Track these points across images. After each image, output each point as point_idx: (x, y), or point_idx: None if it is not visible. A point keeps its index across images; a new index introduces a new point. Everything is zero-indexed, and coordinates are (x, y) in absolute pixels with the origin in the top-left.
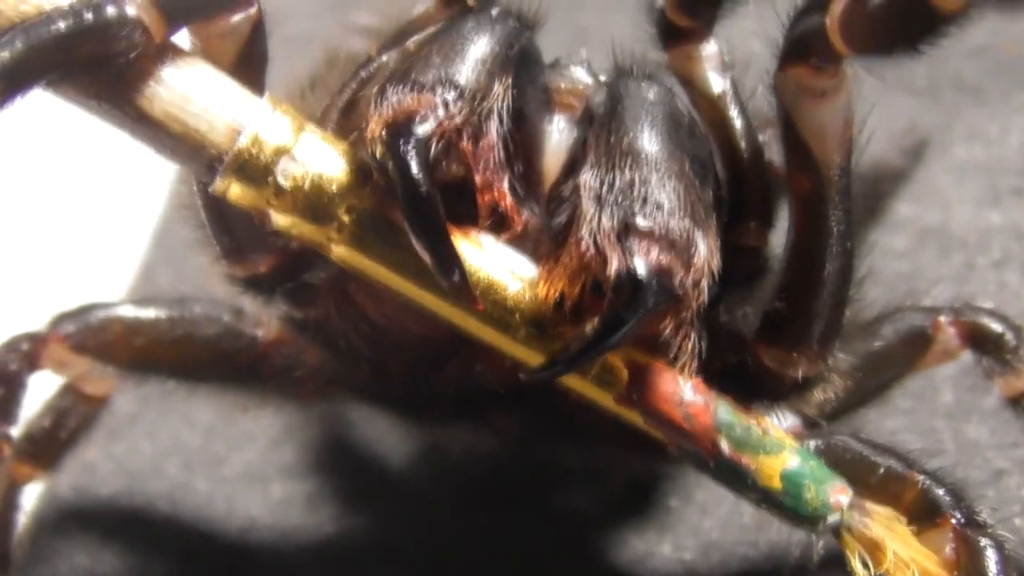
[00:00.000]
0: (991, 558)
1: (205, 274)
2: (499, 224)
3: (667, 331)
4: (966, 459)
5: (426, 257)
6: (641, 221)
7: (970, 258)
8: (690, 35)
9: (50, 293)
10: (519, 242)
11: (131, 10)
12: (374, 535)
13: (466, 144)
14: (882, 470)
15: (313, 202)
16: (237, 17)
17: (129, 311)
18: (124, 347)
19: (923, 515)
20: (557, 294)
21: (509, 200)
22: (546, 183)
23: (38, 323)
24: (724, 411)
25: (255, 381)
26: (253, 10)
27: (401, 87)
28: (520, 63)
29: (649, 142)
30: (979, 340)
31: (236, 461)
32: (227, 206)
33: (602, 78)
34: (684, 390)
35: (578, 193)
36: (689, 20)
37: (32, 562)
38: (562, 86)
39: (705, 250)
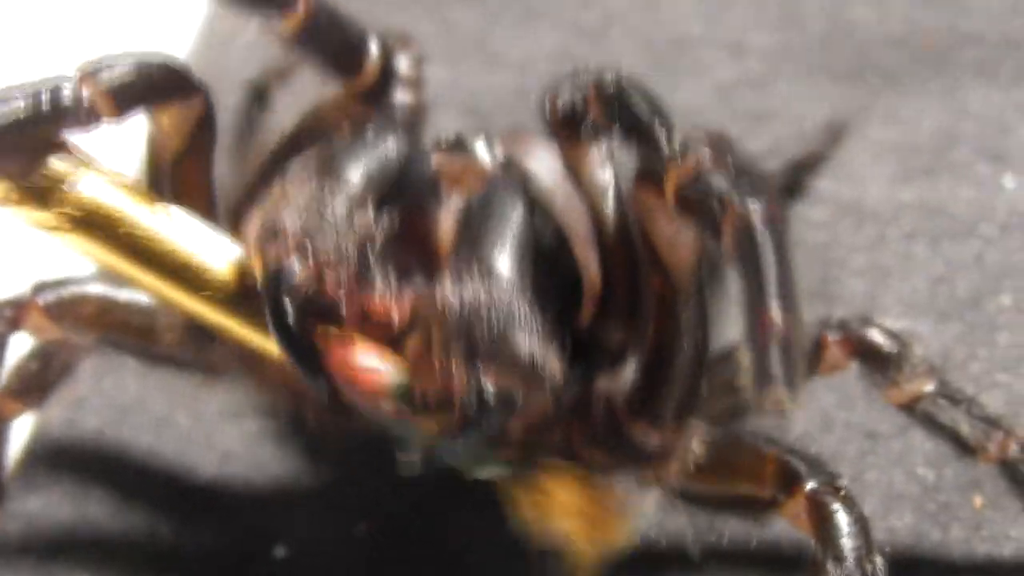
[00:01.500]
0: (841, 519)
1: None
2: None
3: (521, 430)
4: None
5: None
6: (486, 345)
7: (882, 230)
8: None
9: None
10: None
11: (86, 93)
12: (343, 467)
13: (334, 286)
14: (745, 450)
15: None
16: (184, 105)
17: (102, 290)
18: (95, 324)
19: (782, 486)
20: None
21: (383, 311)
22: (440, 259)
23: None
24: (396, 374)
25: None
26: (198, 101)
27: (276, 223)
28: (396, 180)
29: (503, 264)
30: (864, 355)
31: (213, 398)
32: None
33: (499, 155)
34: (363, 357)
35: (435, 304)
36: (573, 133)
37: (26, 491)
38: (457, 166)
39: (549, 367)
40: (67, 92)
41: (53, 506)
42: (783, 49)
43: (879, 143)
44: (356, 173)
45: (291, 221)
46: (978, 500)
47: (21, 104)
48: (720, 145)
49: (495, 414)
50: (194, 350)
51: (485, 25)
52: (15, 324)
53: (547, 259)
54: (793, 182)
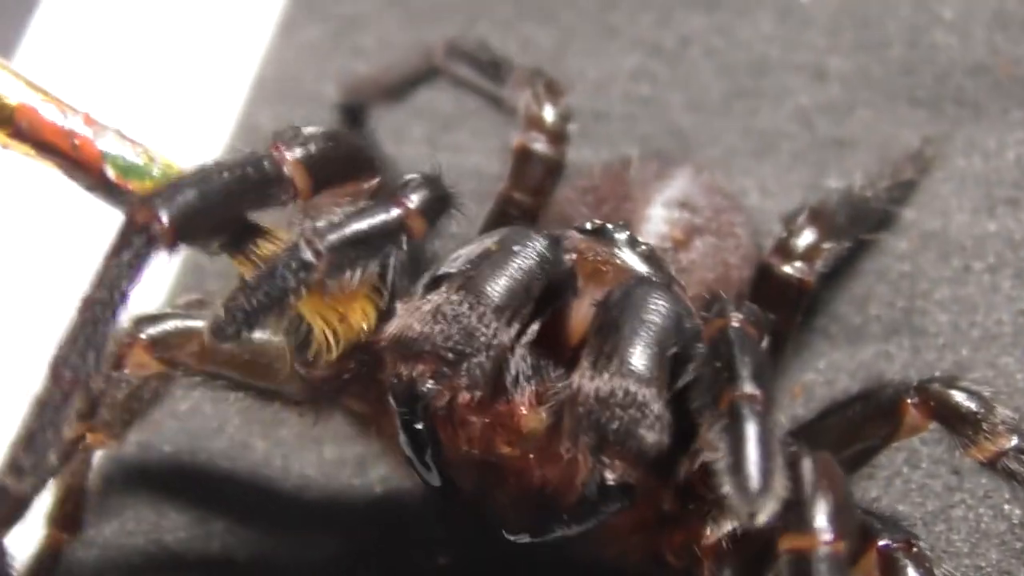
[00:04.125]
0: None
1: None
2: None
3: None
4: None
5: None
6: (615, 439)
7: (967, 262)
8: None
9: None
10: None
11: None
12: (420, 493)
13: (467, 408)
14: None
15: None
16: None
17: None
18: (200, 361)
19: (859, 542)
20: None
21: (515, 418)
22: (572, 350)
23: None
24: (111, 141)
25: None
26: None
27: (415, 338)
28: (542, 291)
29: (640, 360)
30: (945, 416)
31: (291, 423)
32: None
33: (641, 248)
34: (71, 122)
35: (569, 395)
36: None
37: (101, 517)
38: (596, 259)
39: (670, 463)
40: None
41: (127, 533)
42: (863, 74)
43: (962, 173)
44: (500, 291)
45: (430, 338)
46: None
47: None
48: None
49: (612, 504)
50: (309, 401)
51: (561, 44)
52: (118, 364)
53: (682, 356)
54: (878, 211)
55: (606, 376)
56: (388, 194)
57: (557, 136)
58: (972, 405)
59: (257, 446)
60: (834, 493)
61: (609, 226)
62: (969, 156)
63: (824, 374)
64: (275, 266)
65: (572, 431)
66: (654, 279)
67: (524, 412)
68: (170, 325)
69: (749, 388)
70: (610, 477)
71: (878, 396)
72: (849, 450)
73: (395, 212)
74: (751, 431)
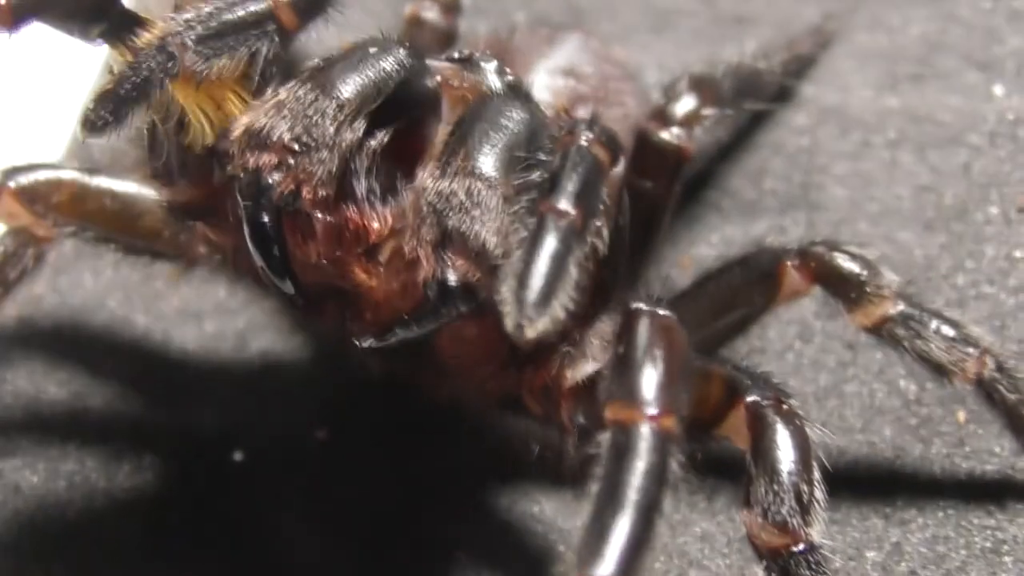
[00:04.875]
0: (779, 434)
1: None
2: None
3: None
4: None
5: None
6: (456, 235)
7: (867, 137)
8: None
9: None
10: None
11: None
12: (300, 368)
13: (310, 201)
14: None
15: None
16: None
17: (76, 176)
18: (69, 210)
19: (725, 400)
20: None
21: (357, 224)
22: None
23: None
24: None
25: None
26: None
27: (262, 129)
28: (394, 95)
29: (487, 164)
30: (826, 278)
31: (172, 297)
32: None
33: (508, 78)
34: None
35: (414, 194)
36: None
37: None
38: (462, 84)
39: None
40: None
41: (5, 406)
42: None
43: (865, 48)
44: (350, 87)
45: (277, 129)
46: (961, 415)
47: None
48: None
49: (454, 304)
50: (171, 235)
51: None
52: None
53: (514, 173)
54: (777, 86)
55: (451, 175)
56: None
57: (449, 6)
58: (855, 267)
59: (138, 320)
60: (668, 361)
61: (476, 55)
62: (873, 32)
63: (716, 247)
64: (142, 58)
65: (415, 228)
66: (513, 95)
67: (374, 220)
68: (40, 175)
69: (564, 204)
70: (451, 275)
71: (758, 259)
72: (730, 315)
73: (264, 4)
74: (548, 243)
